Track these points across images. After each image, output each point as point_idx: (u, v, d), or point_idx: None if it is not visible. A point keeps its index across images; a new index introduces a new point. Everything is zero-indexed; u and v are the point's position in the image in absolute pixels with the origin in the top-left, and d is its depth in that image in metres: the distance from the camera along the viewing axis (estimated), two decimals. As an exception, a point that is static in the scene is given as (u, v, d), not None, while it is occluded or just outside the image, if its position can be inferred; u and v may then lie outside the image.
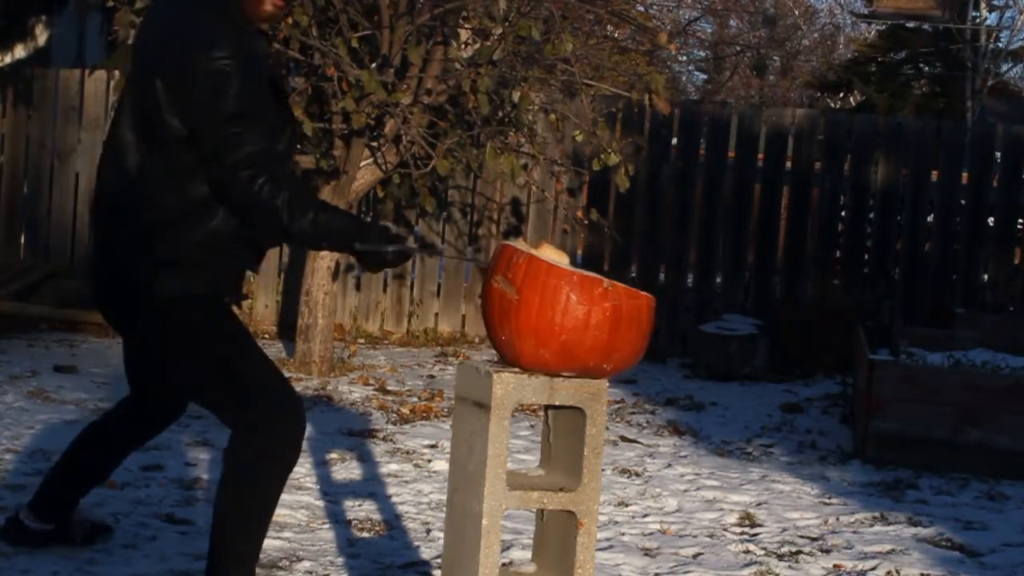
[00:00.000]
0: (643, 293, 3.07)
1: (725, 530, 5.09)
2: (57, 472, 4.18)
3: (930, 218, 9.14)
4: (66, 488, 4.18)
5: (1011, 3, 24.47)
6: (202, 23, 3.55)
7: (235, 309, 3.83)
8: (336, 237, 3.50)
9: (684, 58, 30.15)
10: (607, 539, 4.81)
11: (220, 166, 3.48)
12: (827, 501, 5.60)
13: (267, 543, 4.49)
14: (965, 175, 9.14)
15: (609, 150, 7.39)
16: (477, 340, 9.07)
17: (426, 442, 6.13)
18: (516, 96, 7.52)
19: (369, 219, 3.33)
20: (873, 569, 4.68)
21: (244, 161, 3.45)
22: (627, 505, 5.33)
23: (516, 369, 3.07)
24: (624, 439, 6.51)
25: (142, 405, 4.08)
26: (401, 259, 3.54)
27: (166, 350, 3.68)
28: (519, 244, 3.10)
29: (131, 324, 3.74)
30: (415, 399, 7.09)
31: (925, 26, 23.87)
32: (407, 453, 5.93)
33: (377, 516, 4.94)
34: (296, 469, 5.48)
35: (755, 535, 5.03)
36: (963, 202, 9.10)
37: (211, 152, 3.49)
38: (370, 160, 7.53)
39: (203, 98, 3.48)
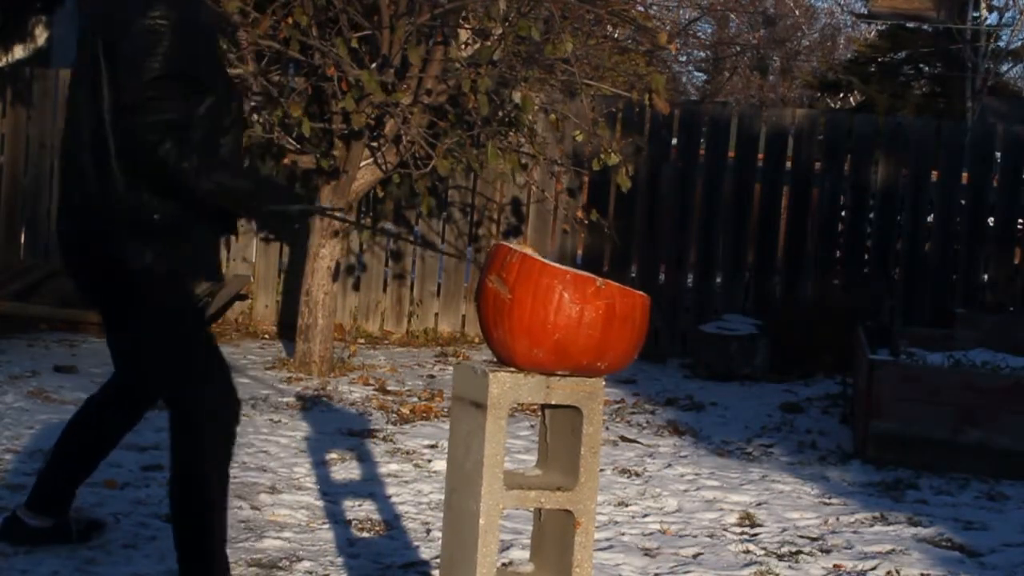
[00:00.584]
0: (637, 292, 3.07)
1: (725, 530, 5.09)
2: (49, 466, 4.22)
3: (930, 218, 9.14)
4: (60, 481, 4.21)
5: (1011, 3, 24.47)
6: None
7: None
8: (242, 198, 3.61)
9: (684, 58, 30.16)
10: (607, 539, 4.81)
11: (135, 124, 3.52)
12: (827, 501, 5.59)
13: (267, 543, 4.51)
14: (965, 175, 9.14)
15: (609, 150, 7.39)
16: (477, 340, 9.07)
17: (426, 442, 6.13)
18: (517, 96, 7.52)
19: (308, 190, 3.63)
20: (873, 569, 4.68)
21: (159, 126, 3.49)
22: (627, 505, 5.33)
23: (512, 369, 3.07)
24: (624, 439, 6.51)
25: (124, 389, 4.13)
26: (305, 217, 3.65)
27: (133, 319, 3.75)
28: (514, 245, 3.10)
29: (103, 298, 3.83)
30: (415, 399, 7.09)
31: (925, 26, 23.88)
32: (407, 453, 5.93)
33: (377, 516, 4.94)
34: (296, 469, 5.50)
35: (755, 535, 5.03)
36: (963, 202, 9.10)
37: (129, 106, 3.53)
38: (370, 160, 7.53)
39: (132, 54, 3.51)
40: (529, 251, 3.07)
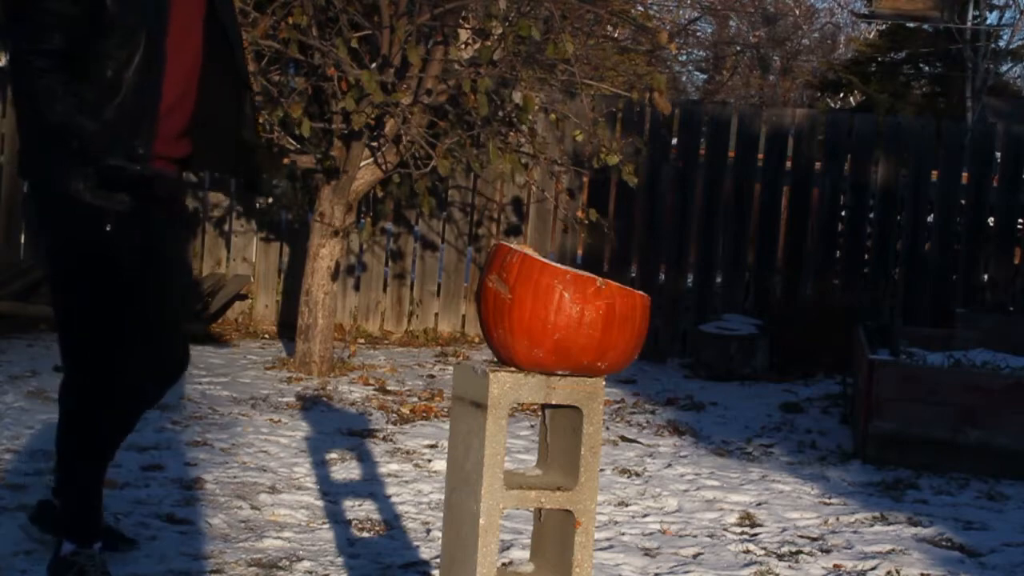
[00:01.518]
0: (637, 292, 3.07)
1: (725, 530, 5.09)
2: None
3: (930, 218, 9.14)
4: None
5: (1011, 3, 24.48)
6: None
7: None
8: (84, 139, 3.63)
9: (684, 58, 30.16)
10: (607, 539, 4.81)
11: (15, 48, 3.65)
12: (827, 501, 5.60)
13: (267, 543, 4.51)
14: (965, 175, 9.14)
15: (609, 149, 7.39)
16: (477, 340, 9.07)
17: (426, 442, 6.13)
18: (518, 96, 7.52)
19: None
20: (873, 569, 4.68)
21: (35, 36, 3.62)
22: (627, 505, 5.33)
23: (512, 368, 3.07)
24: (624, 439, 6.51)
25: None
26: (141, 179, 3.67)
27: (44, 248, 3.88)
28: (514, 245, 3.10)
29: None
30: (415, 399, 7.09)
31: (925, 26, 23.91)
32: (407, 453, 5.93)
33: (377, 516, 4.94)
34: (296, 469, 5.50)
35: (755, 535, 5.03)
36: (963, 202, 9.10)
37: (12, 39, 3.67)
38: (370, 160, 7.53)
39: None
40: (529, 251, 3.07)
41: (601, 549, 4.62)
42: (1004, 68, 25.79)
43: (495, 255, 3.08)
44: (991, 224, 9.11)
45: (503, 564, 4.01)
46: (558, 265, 3.04)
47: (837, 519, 5.30)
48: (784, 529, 5.13)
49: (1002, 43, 23.95)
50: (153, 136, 3.79)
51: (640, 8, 10.30)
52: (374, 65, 7.07)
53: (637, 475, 5.82)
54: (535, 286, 3.00)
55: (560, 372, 3.06)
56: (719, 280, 9.24)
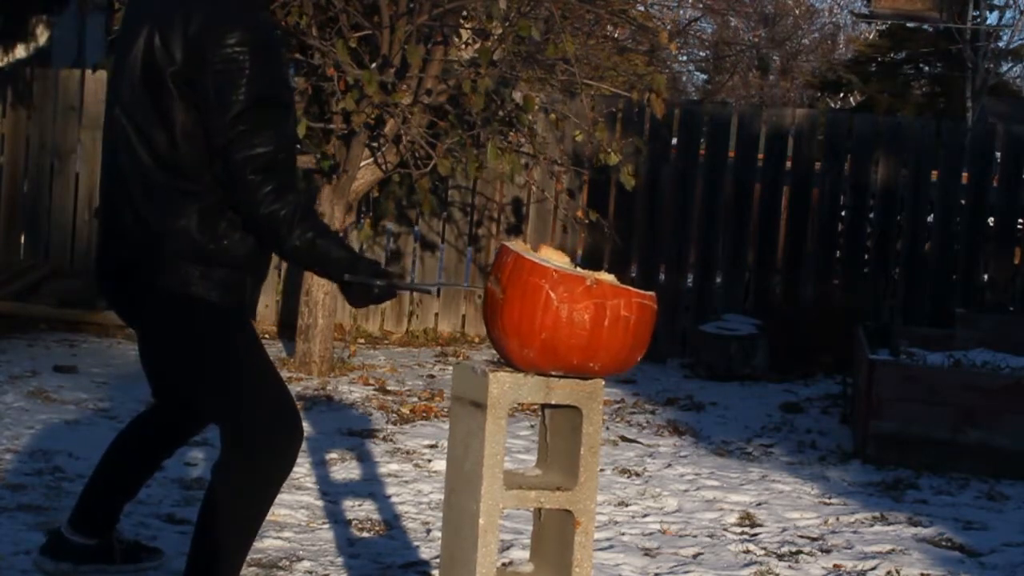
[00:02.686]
0: (635, 290, 3.03)
1: (725, 530, 5.09)
2: (90, 487, 4.04)
3: (930, 218, 9.14)
4: (100, 503, 4.03)
5: (1011, 3, 24.48)
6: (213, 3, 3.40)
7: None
8: (327, 264, 3.46)
9: (684, 58, 30.14)
10: (607, 539, 4.81)
11: (229, 164, 3.37)
12: (827, 501, 5.60)
13: (267, 543, 4.51)
14: (965, 175, 9.14)
15: (608, 150, 7.40)
16: (477, 340, 9.07)
17: (426, 442, 6.13)
18: (518, 97, 7.52)
19: (381, 261, 3.24)
20: (873, 569, 4.68)
21: (250, 163, 3.35)
22: (627, 505, 5.33)
23: (512, 368, 3.07)
24: (624, 439, 6.51)
25: (164, 410, 3.96)
26: (387, 296, 3.48)
27: (164, 348, 3.60)
28: (515, 245, 3.08)
29: (150, 332, 3.63)
30: (415, 399, 7.09)
31: (925, 26, 23.92)
32: (407, 453, 5.93)
33: (377, 516, 4.94)
34: (296, 469, 5.47)
35: (755, 535, 5.03)
36: (963, 202, 9.10)
37: (220, 147, 3.37)
38: (370, 160, 7.53)
39: (216, 93, 3.35)
40: (520, 248, 3.05)
41: (601, 549, 4.62)
42: (1004, 68, 25.80)
43: (497, 256, 3.09)
44: (991, 224, 9.12)
45: (503, 564, 4.01)
46: (552, 263, 3.01)
47: (837, 519, 5.30)
48: (784, 529, 5.13)
49: (1002, 43, 23.96)
50: None
51: (640, 8, 10.29)
52: (374, 65, 7.07)
53: (637, 475, 5.82)
54: (523, 285, 3.00)
55: (555, 372, 3.05)
56: (719, 280, 9.24)
